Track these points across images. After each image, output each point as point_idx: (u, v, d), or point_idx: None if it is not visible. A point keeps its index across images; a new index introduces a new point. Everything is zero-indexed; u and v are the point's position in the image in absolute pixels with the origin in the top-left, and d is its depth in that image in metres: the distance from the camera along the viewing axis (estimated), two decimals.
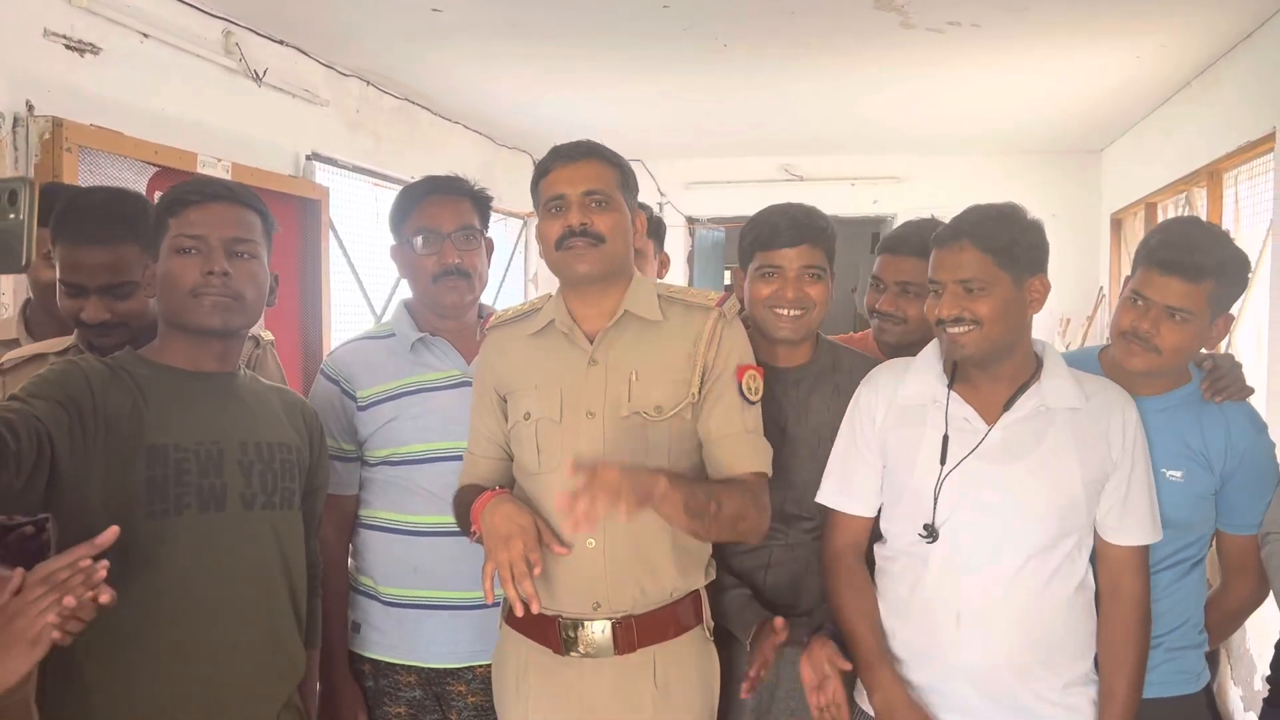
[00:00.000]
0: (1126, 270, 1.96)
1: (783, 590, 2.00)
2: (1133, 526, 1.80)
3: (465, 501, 1.84)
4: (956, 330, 1.74)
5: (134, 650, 1.53)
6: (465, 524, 1.84)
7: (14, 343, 2.12)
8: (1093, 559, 1.83)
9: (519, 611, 1.61)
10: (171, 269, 1.61)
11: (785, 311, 1.97)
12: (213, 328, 1.62)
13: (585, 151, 1.82)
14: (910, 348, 2.13)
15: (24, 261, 1.00)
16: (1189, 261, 1.81)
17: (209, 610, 1.58)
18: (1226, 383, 1.92)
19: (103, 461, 1.51)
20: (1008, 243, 1.71)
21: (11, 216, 0.99)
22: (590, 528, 1.56)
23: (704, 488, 1.72)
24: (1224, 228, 4.26)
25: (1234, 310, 1.94)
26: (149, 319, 1.85)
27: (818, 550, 1.99)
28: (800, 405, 2.01)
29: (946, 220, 1.87)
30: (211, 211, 1.63)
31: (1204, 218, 4.49)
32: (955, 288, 1.73)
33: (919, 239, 2.13)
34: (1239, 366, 1.99)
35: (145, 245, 1.80)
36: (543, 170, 1.84)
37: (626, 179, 1.86)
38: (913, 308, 2.19)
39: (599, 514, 1.50)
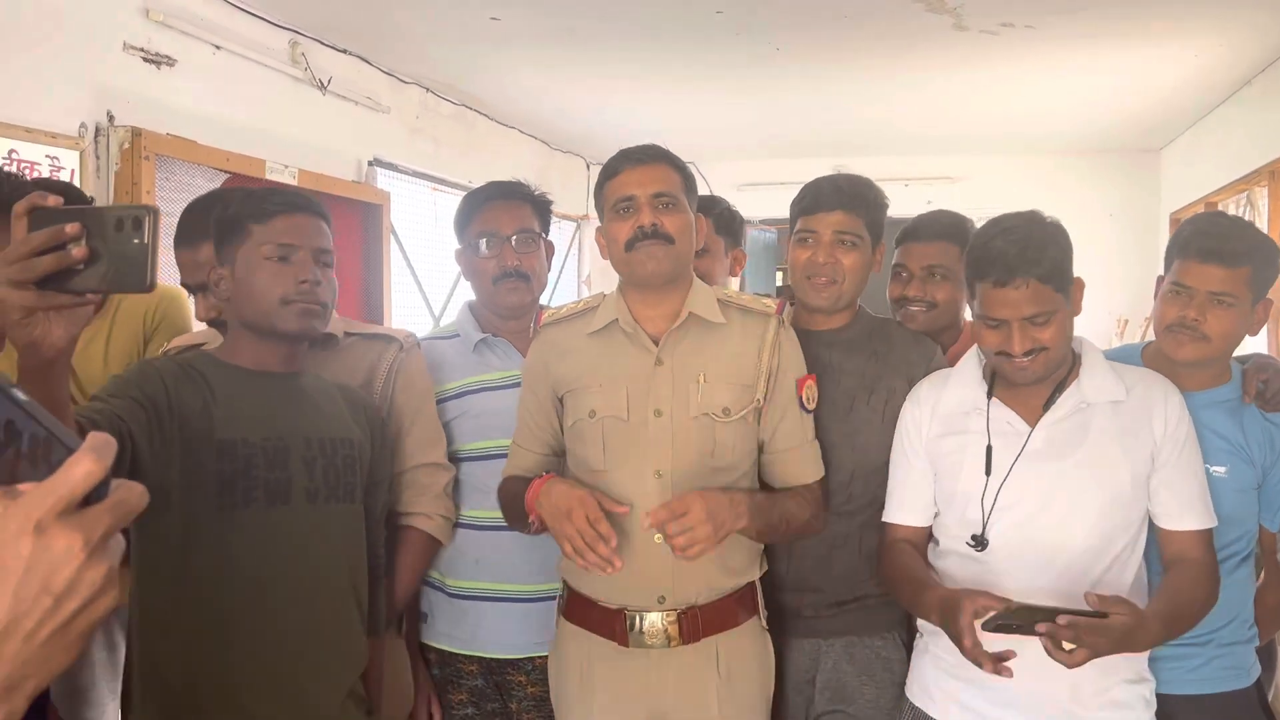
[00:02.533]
0: None
1: (808, 571, 2.02)
2: (1190, 510, 1.79)
3: (513, 492, 1.87)
4: (1025, 360, 1.73)
5: (205, 636, 1.59)
6: (515, 514, 1.87)
7: None
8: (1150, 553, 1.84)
9: (611, 570, 1.64)
10: (259, 276, 1.66)
11: (820, 279, 1.99)
12: (300, 333, 1.69)
13: (654, 155, 1.85)
14: (939, 332, 2.18)
15: (147, 283, 1.08)
16: (1226, 248, 1.84)
17: (275, 598, 1.63)
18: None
19: (178, 456, 1.57)
20: (1057, 265, 1.70)
21: (136, 241, 1.07)
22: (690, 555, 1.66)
23: (778, 509, 1.83)
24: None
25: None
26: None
27: (848, 522, 2.00)
28: (833, 367, 2.03)
29: (978, 218, 1.88)
30: (299, 222, 1.69)
31: (1265, 217, 4.43)
32: (1022, 324, 1.71)
33: (937, 224, 2.22)
34: None
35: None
36: (610, 172, 1.86)
37: (689, 183, 1.89)
38: (940, 291, 2.23)
39: (693, 551, 1.64)
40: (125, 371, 1.63)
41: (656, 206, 1.81)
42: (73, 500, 0.61)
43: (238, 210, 1.71)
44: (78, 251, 1.07)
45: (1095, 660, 1.75)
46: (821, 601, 2.01)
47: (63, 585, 0.61)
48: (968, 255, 1.80)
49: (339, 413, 1.79)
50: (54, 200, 1.12)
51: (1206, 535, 1.81)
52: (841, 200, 1.99)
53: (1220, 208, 5.29)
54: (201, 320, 1.97)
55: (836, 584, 2.01)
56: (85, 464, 0.61)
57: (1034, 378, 1.77)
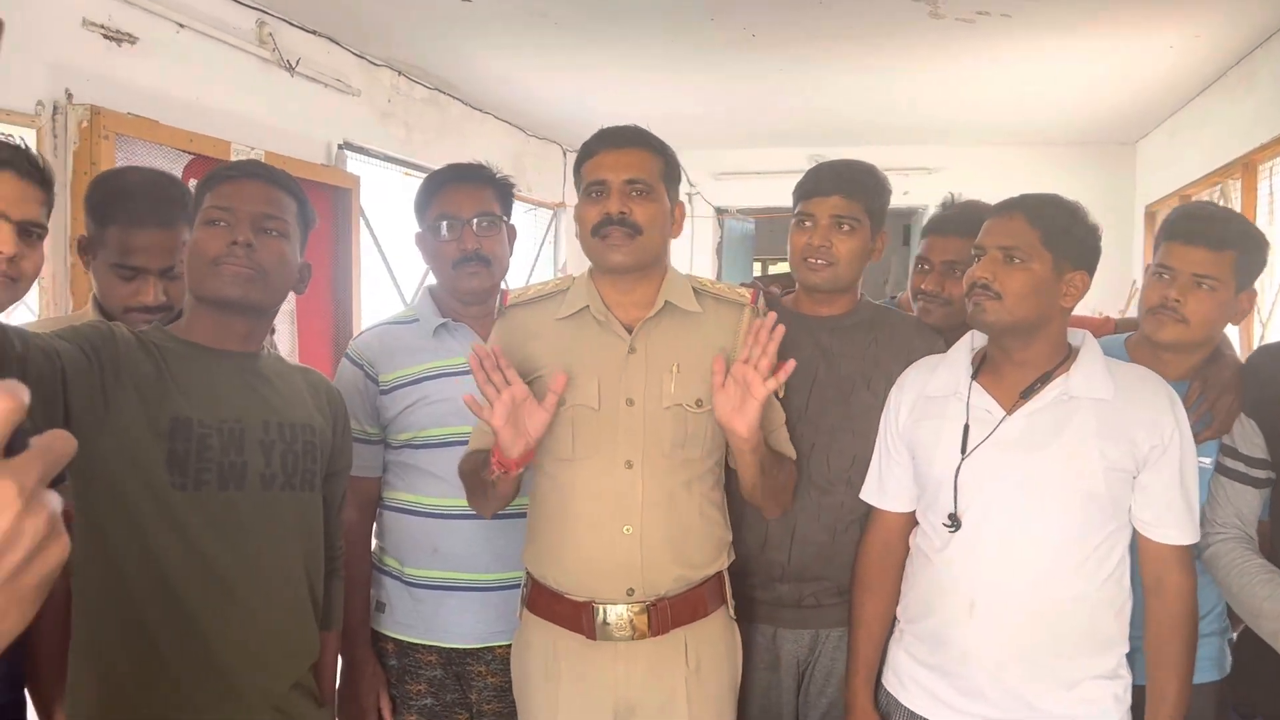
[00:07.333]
0: None
1: (811, 559, 2.01)
2: (1172, 523, 1.75)
3: (477, 463, 1.82)
4: (982, 295, 1.74)
5: (148, 619, 1.52)
6: (477, 484, 1.82)
7: None
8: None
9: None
10: (198, 239, 1.60)
11: (814, 260, 1.98)
12: (231, 298, 1.59)
13: (632, 138, 1.80)
14: (955, 330, 2.13)
15: None
16: (1211, 231, 1.84)
17: (223, 585, 1.57)
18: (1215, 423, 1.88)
19: (124, 427, 1.49)
20: (1060, 227, 1.73)
21: None
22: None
23: (772, 454, 1.83)
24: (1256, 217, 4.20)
25: (1260, 294, 1.95)
26: None
27: (852, 509, 2.00)
28: (833, 353, 2.03)
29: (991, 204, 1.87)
30: (244, 187, 1.63)
31: (1238, 210, 4.44)
32: (996, 253, 1.74)
33: (964, 219, 2.14)
34: (1228, 388, 1.90)
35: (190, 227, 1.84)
36: (588, 152, 1.82)
37: (670, 169, 1.84)
38: (958, 288, 2.19)
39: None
40: (79, 324, 1.51)
41: (628, 194, 1.76)
42: None
43: (200, 182, 1.65)
44: None
45: (1061, 654, 1.75)
46: (825, 590, 2.01)
47: (1, 537, 0.55)
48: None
49: (300, 397, 1.73)
50: None
51: (1186, 551, 1.77)
52: (839, 184, 1.97)
53: (1194, 200, 5.30)
54: (150, 302, 1.88)
55: (840, 572, 2.00)
56: (1, 402, 0.56)
57: (984, 320, 1.77)
